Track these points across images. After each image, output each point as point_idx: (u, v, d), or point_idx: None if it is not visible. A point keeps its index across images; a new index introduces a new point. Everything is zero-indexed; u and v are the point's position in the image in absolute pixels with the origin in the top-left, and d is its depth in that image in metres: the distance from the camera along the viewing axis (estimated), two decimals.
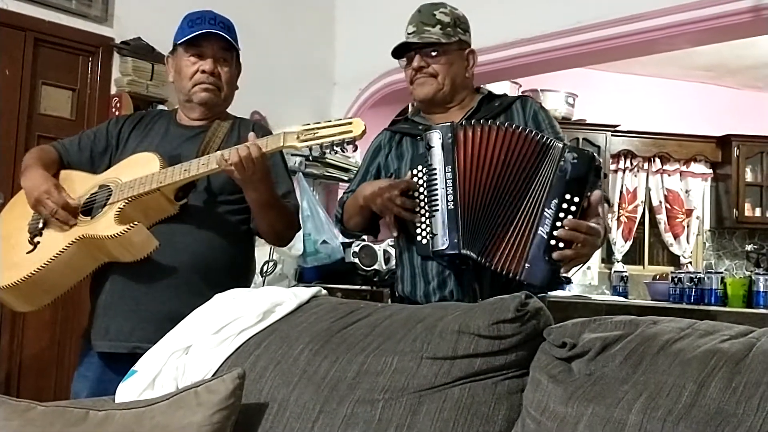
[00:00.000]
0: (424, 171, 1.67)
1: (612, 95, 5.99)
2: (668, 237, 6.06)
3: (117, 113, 3.21)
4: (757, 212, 5.99)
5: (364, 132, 1.58)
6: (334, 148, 1.61)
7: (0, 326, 2.96)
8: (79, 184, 1.87)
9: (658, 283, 4.80)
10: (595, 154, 1.61)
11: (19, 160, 1.96)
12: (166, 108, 3.13)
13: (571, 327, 1.21)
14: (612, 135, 5.78)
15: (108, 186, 1.82)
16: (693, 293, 4.15)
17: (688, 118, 6.05)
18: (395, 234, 1.74)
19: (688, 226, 6.06)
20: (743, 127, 5.89)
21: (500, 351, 1.22)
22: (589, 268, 5.75)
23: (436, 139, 1.65)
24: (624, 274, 5.37)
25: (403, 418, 1.19)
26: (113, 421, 1.22)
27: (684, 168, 6.07)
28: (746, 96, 6.28)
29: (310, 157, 3.90)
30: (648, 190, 6.09)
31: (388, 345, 1.31)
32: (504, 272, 1.59)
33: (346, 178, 4.18)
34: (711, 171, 6.11)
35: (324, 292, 1.68)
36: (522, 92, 5.10)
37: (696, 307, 4.00)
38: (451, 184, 1.63)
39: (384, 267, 3.93)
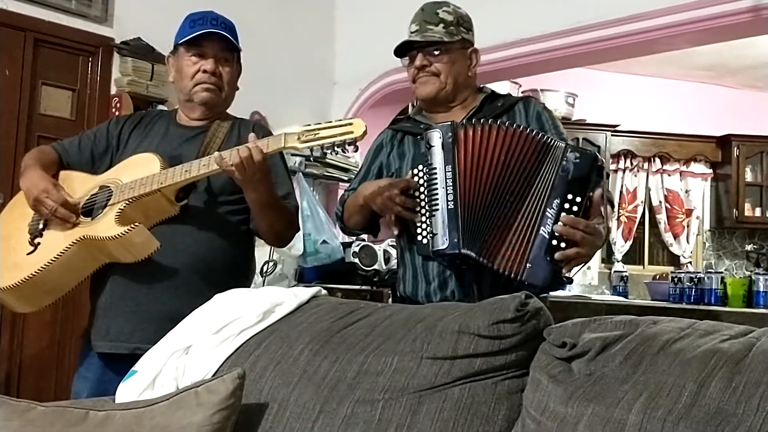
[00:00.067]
0: (424, 170, 1.67)
1: (612, 95, 5.99)
2: (668, 237, 6.06)
3: (117, 113, 3.21)
4: (757, 212, 5.99)
5: (364, 133, 1.58)
6: (335, 148, 1.61)
7: (0, 326, 2.96)
8: (79, 185, 1.87)
9: (658, 283, 4.80)
10: (598, 154, 1.61)
11: (19, 161, 1.96)
12: (166, 108, 3.13)
13: (571, 327, 1.21)
14: (612, 135, 5.78)
15: (108, 187, 1.82)
16: (693, 293, 4.15)
17: (688, 118, 6.05)
18: (396, 233, 1.74)
19: (688, 226, 6.06)
20: (743, 127, 5.89)
21: (500, 351, 1.22)
22: (589, 268, 5.75)
23: (436, 138, 1.65)
24: (624, 274, 5.37)
25: (403, 418, 1.19)
26: (113, 421, 1.22)
27: (684, 168, 6.07)
28: (746, 96, 6.29)
29: (311, 158, 3.90)
30: (648, 190, 6.09)
31: (388, 345, 1.31)
32: (505, 272, 1.59)
33: (346, 178, 4.18)
34: (711, 171, 6.11)
35: (324, 292, 1.68)
36: (522, 92, 5.10)
37: (696, 307, 4.01)
38: (451, 184, 1.63)
39: (384, 267, 3.93)
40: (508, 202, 1.60)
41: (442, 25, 1.82)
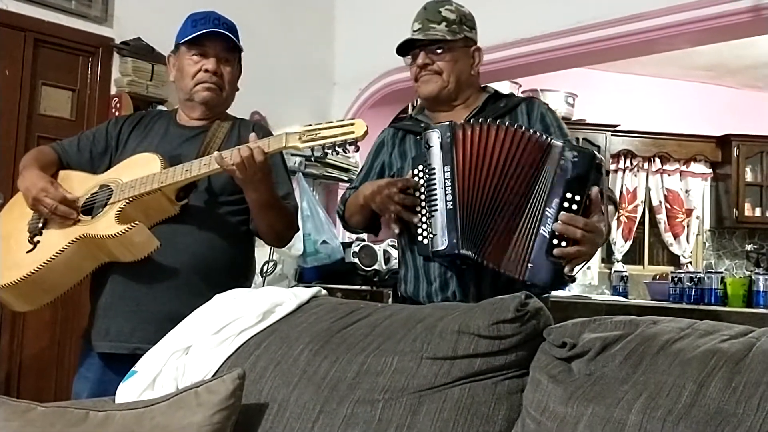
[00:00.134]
0: (424, 170, 1.67)
1: (612, 95, 5.99)
2: (668, 237, 6.06)
3: (117, 113, 3.21)
4: (757, 212, 5.99)
5: (366, 133, 1.58)
6: (336, 148, 1.61)
7: (0, 326, 2.96)
8: (78, 185, 1.87)
9: (658, 283, 4.81)
10: (596, 152, 1.61)
11: (19, 161, 1.96)
12: (165, 108, 3.13)
13: (571, 327, 1.21)
14: (612, 135, 5.78)
15: (108, 186, 1.82)
16: (693, 293, 4.16)
17: (687, 117, 6.05)
18: (397, 231, 1.74)
19: (688, 226, 6.06)
20: (743, 126, 5.89)
21: (500, 351, 1.22)
22: (589, 268, 5.75)
23: (434, 138, 1.65)
24: (624, 274, 5.38)
25: (403, 418, 1.19)
26: (113, 421, 1.22)
27: (684, 168, 6.07)
28: (746, 96, 6.29)
29: (312, 158, 3.91)
30: (648, 189, 6.09)
31: (388, 345, 1.31)
32: (507, 273, 1.59)
33: (345, 179, 4.18)
34: (711, 171, 6.11)
35: (324, 292, 1.68)
36: (522, 92, 5.10)
37: (696, 307, 4.01)
38: (449, 184, 1.62)
39: (384, 267, 3.93)
40: (508, 203, 1.59)
41: (444, 23, 1.81)
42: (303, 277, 3.99)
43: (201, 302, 1.63)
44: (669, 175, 6.07)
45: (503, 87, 4.72)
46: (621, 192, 5.95)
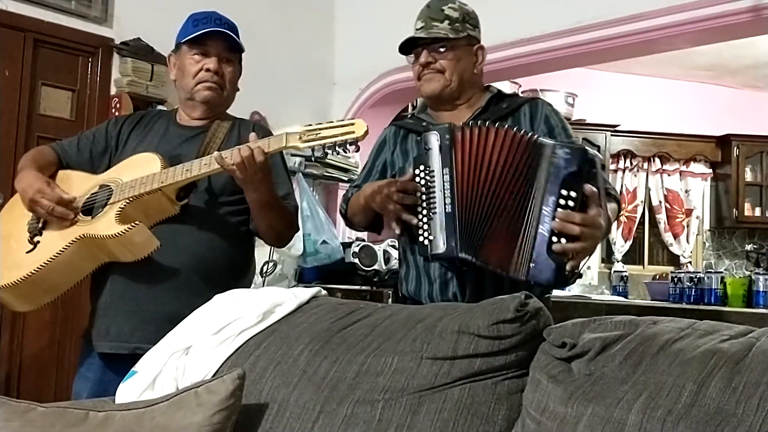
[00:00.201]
0: (424, 171, 1.67)
1: (612, 95, 5.99)
2: (668, 237, 6.06)
3: (116, 114, 3.21)
4: (757, 212, 5.99)
5: (366, 133, 1.58)
6: (336, 148, 1.61)
7: (0, 326, 2.96)
8: (78, 185, 1.87)
9: (657, 283, 4.81)
10: (587, 147, 1.60)
11: (19, 161, 1.96)
12: (165, 108, 3.13)
13: (570, 327, 1.21)
14: (612, 135, 5.78)
15: (108, 186, 1.82)
16: (693, 293, 4.16)
17: (687, 117, 6.05)
18: (398, 232, 1.74)
19: (687, 226, 6.06)
20: (743, 126, 5.89)
21: (500, 351, 1.22)
22: (589, 268, 5.75)
23: (433, 140, 1.64)
24: (624, 274, 5.38)
25: (403, 419, 1.19)
26: (113, 421, 1.22)
27: (684, 168, 6.07)
28: (746, 96, 6.29)
29: (312, 158, 3.91)
30: (648, 189, 6.10)
31: (388, 345, 1.31)
32: (509, 274, 1.58)
33: (345, 179, 4.18)
34: (711, 171, 6.11)
35: (324, 292, 1.68)
36: (522, 92, 5.10)
37: (696, 306, 4.00)
38: (449, 187, 1.62)
39: (384, 267, 3.93)
40: (506, 205, 1.59)
41: (447, 21, 1.80)
42: (303, 277, 3.99)
43: (201, 302, 1.63)
44: (669, 175, 6.07)
45: (503, 87, 4.71)
46: (621, 192, 5.95)
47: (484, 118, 1.79)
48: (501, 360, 1.22)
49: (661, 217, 6.07)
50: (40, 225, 1.82)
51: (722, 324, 1.15)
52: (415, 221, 1.66)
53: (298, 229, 1.99)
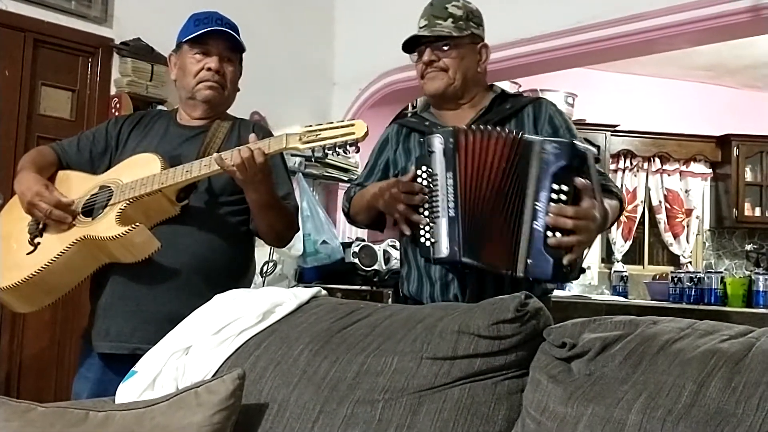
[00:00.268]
0: (427, 172, 1.67)
1: (611, 95, 5.99)
2: (668, 237, 6.07)
3: (116, 114, 3.21)
4: (757, 212, 5.99)
5: (366, 134, 1.58)
6: (337, 149, 1.61)
7: (0, 326, 2.96)
8: (78, 185, 1.87)
9: (657, 283, 4.80)
10: (576, 141, 1.60)
11: (19, 161, 1.96)
12: (165, 108, 3.13)
13: (570, 327, 1.21)
14: (611, 135, 5.79)
15: (108, 187, 1.82)
16: (693, 293, 4.16)
17: (687, 117, 6.05)
18: (408, 233, 1.73)
19: (687, 226, 6.07)
20: (743, 126, 5.89)
21: (500, 351, 1.22)
22: (588, 268, 5.75)
23: (437, 144, 1.63)
24: (624, 273, 5.37)
25: (403, 419, 1.19)
26: (113, 421, 1.22)
27: (684, 168, 6.07)
28: (746, 96, 6.29)
29: (312, 158, 3.91)
30: (648, 189, 6.10)
31: (388, 345, 1.31)
32: (508, 272, 1.58)
33: (345, 179, 4.19)
34: (711, 171, 6.11)
35: (324, 292, 1.68)
36: (521, 92, 5.10)
37: (696, 306, 4.00)
38: (452, 191, 1.62)
39: (384, 267, 3.93)
40: (505, 206, 1.59)
41: (451, 19, 1.79)
42: (303, 277, 3.99)
43: (201, 302, 1.63)
44: (669, 175, 6.08)
45: (503, 87, 4.72)
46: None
47: (487, 120, 1.79)
48: (501, 360, 1.22)
49: (661, 217, 6.07)
50: (41, 226, 1.82)
51: (722, 324, 1.15)
52: (423, 222, 1.66)
53: (298, 230, 1.99)
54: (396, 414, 1.20)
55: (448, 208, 1.62)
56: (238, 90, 2.02)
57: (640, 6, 3.28)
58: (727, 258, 6.21)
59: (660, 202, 6.06)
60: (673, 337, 1.10)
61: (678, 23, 3.21)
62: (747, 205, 5.95)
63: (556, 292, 3.25)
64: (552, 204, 1.52)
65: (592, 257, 5.80)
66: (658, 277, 5.22)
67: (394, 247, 3.92)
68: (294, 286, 3.45)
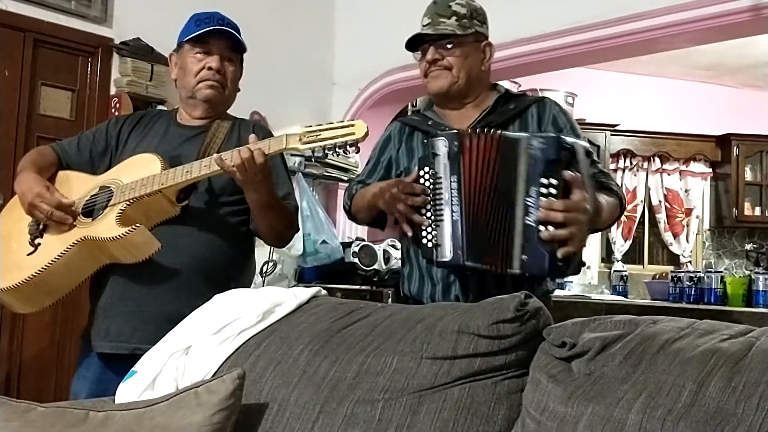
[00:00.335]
0: (430, 174, 1.66)
1: (611, 95, 5.99)
2: (668, 236, 6.06)
3: (116, 114, 3.21)
4: (757, 211, 5.99)
5: (366, 134, 1.58)
6: (337, 149, 1.61)
7: (0, 326, 2.96)
8: (78, 186, 1.87)
9: (657, 283, 4.81)
10: (562, 136, 1.60)
11: (19, 161, 1.96)
12: (165, 108, 3.13)
13: (570, 327, 1.21)
14: (611, 134, 5.78)
15: (109, 187, 1.82)
16: (693, 292, 4.17)
17: (687, 117, 6.05)
18: (410, 234, 1.73)
19: (687, 226, 6.06)
20: (743, 126, 5.89)
21: (500, 351, 1.22)
22: (588, 267, 5.75)
23: (441, 147, 1.63)
24: (624, 273, 5.39)
25: (403, 418, 1.19)
26: (113, 421, 1.22)
27: (683, 167, 6.07)
28: (746, 95, 6.29)
29: (312, 158, 3.91)
30: (647, 189, 6.10)
31: (387, 345, 1.31)
32: (505, 271, 1.58)
33: (345, 179, 4.19)
34: (710, 170, 6.11)
35: (324, 292, 1.68)
36: (521, 92, 5.10)
37: (696, 306, 4.02)
38: (456, 194, 1.62)
39: (384, 267, 3.93)
40: (501, 205, 1.59)
41: (454, 17, 1.78)
42: (303, 277, 3.99)
43: (201, 303, 1.63)
44: (669, 174, 6.07)
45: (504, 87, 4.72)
46: None
47: (490, 120, 1.78)
48: (501, 360, 1.22)
49: (661, 217, 6.07)
50: (41, 227, 1.82)
51: (722, 323, 1.15)
52: (426, 223, 1.66)
53: (298, 230, 1.99)
54: (396, 414, 1.20)
55: (452, 211, 1.62)
56: (239, 90, 2.02)
57: (641, 5, 3.28)
58: (727, 257, 6.21)
59: (660, 201, 6.06)
60: (673, 337, 1.10)
61: (678, 23, 3.21)
62: (747, 205, 5.95)
63: (556, 292, 3.26)
64: (542, 199, 1.52)
65: (592, 257, 5.80)
66: (658, 276, 5.22)
67: (394, 246, 3.92)
68: (294, 286, 3.45)
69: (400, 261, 2.11)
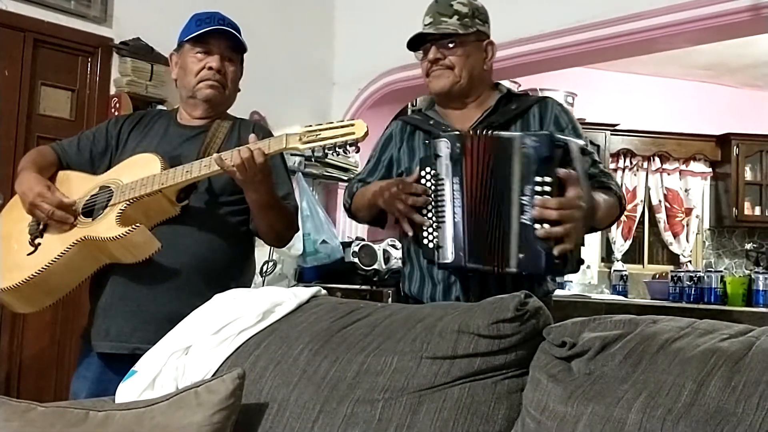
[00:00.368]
0: (432, 174, 1.66)
1: (611, 94, 5.99)
2: (668, 236, 6.06)
3: (116, 114, 3.21)
4: (757, 211, 5.99)
5: (366, 134, 1.58)
6: (337, 149, 1.61)
7: (0, 326, 2.96)
8: (78, 186, 1.87)
9: (657, 282, 4.81)
10: (554, 133, 1.59)
11: (19, 161, 1.96)
12: (165, 108, 3.13)
13: (570, 326, 1.21)
14: (611, 134, 5.79)
15: (109, 187, 1.82)
16: (692, 292, 4.17)
17: (687, 117, 6.05)
18: (410, 234, 1.73)
19: (687, 225, 6.07)
20: (743, 125, 5.89)
21: (500, 350, 1.22)
22: (588, 267, 5.75)
23: (443, 148, 1.63)
24: (623, 273, 5.38)
25: (403, 418, 1.19)
26: (113, 421, 1.22)
27: (683, 167, 6.07)
28: (745, 95, 6.29)
29: (312, 158, 3.91)
30: (647, 189, 6.10)
31: (387, 345, 1.31)
32: (502, 270, 1.59)
33: (345, 178, 4.19)
34: (710, 170, 6.11)
35: (324, 291, 1.68)
36: (521, 91, 5.10)
37: (695, 306, 4.02)
38: (458, 196, 1.62)
39: (384, 266, 3.93)
40: (501, 207, 1.59)
41: (456, 16, 1.78)
42: (303, 277, 3.99)
43: (201, 302, 1.63)
44: (668, 174, 6.08)
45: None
46: None
47: (492, 121, 1.78)
48: (501, 359, 1.22)
49: (661, 216, 6.07)
50: (41, 227, 1.82)
51: (722, 323, 1.15)
52: (426, 224, 1.66)
53: (298, 229, 1.99)
54: (396, 413, 1.20)
55: (454, 213, 1.62)
56: (239, 90, 2.02)
57: (640, 5, 3.28)
58: (727, 257, 6.21)
59: (660, 201, 6.07)
60: (673, 336, 1.10)
61: (678, 22, 3.21)
62: (747, 204, 5.95)
63: (556, 291, 3.26)
64: (537, 197, 1.53)
65: (592, 256, 5.80)
66: (657, 276, 5.22)
67: (393, 246, 3.92)
68: (294, 286, 3.45)
69: (400, 261, 2.11)
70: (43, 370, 3.10)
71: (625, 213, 5.84)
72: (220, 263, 1.86)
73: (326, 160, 4.01)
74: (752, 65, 5.72)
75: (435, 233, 1.65)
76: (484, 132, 1.64)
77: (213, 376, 1.39)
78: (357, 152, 1.68)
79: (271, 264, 3.72)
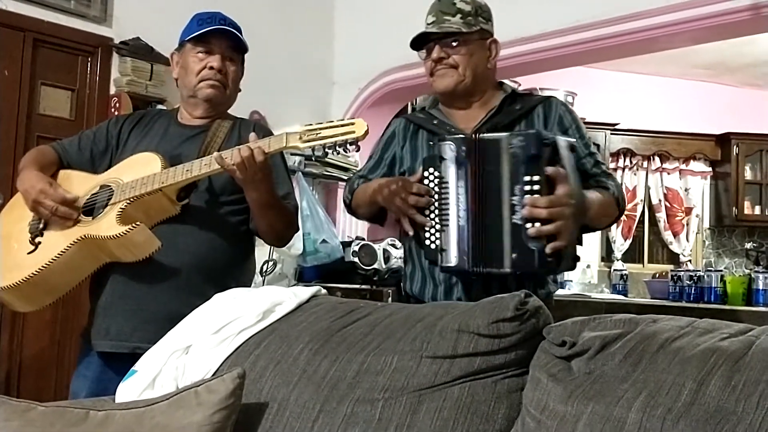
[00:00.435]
0: (435, 175, 1.66)
1: (611, 94, 5.99)
2: (668, 235, 6.07)
3: (116, 113, 3.21)
4: (757, 210, 6.00)
5: (366, 132, 1.58)
6: (337, 148, 1.61)
7: (0, 326, 2.96)
8: (79, 185, 1.87)
9: (657, 282, 4.81)
10: (541, 131, 1.59)
11: (19, 161, 1.97)
12: (165, 108, 3.13)
13: (570, 325, 1.21)
14: (611, 133, 5.79)
15: (109, 186, 1.82)
16: (692, 291, 4.16)
17: (687, 116, 6.05)
18: (411, 233, 1.73)
19: (687, 225, 6.07)
20: (743, 125, 5.89)
21: (500, 350, 1.22)
22: (588, 266, 5.75)
23: (449, 151, 1.63)
24: (623, 272, 5.38)
25: (403, 418, 1.19)
26: (113, 421, 1.22)
27: (683, 166, 6.07)
28: (746, 94, 6.29)
29: (312, 157, 3.91)
30: (647, 188, 6.10)
31: (387, 344, 1.31)
32: (500, 271, 1.59)
33: (345, 178, 4.18)
34: (710, 169, 6.11)
35: (324, 291, 1.68)
36: (525, 91, 5.09)
37: (695, 305, 4.01)
38: (463, 200, 1.62)
39: (384, 266, 3.93)
40: (495, 208, 1.59)
41: (459, 15, 1.77)
42: (303, 277, 3.99)
43: (201, 302, 1.63)
44: (668, 173, 6.08)
45: None
46: None
47: (496, 121, 1.78)
48: (501, 359, 1.22)
49: (661, 216, 6.07)
50: (41, 226, 1.82)
51: (722, 322, 1.15)
52: (429, 225, 1.66)
53: (298, 229, 1.99)
54: (396, 413, 1.20)
55: (458, 216, 1.62)
56: (240, 90, 2.02)
57: (640, 5, 3.28)
58: (727, 256, 6.21)
59: (660, 200, 6.07)
60: (673, 336, 1.10)
61: (678, 21, 3.21)
62: (747, 204, 5.95)
63: (556, 291, 3.26)
64: (526, 196, 1.53)
65: (592, 256, 5.80)
66: (657, 275, 5.22)
67: (394, 246, 3.92)
68: (294, 285, 3.45)
69: (400, 260, 2.11)
70: (43, 369, 3.10)
71: (625, 212, 5.88)
72: (221, 262, 1.86)
73: (326, 159, 4.00)
74: (752, 64, 5.72)
75: (438, 235, 1.65)
76: (475, 134, 1.64)
77: (213, 375, 1.39)
78: (357, 151, 1.68)
79: (271, 263, 3.72)
